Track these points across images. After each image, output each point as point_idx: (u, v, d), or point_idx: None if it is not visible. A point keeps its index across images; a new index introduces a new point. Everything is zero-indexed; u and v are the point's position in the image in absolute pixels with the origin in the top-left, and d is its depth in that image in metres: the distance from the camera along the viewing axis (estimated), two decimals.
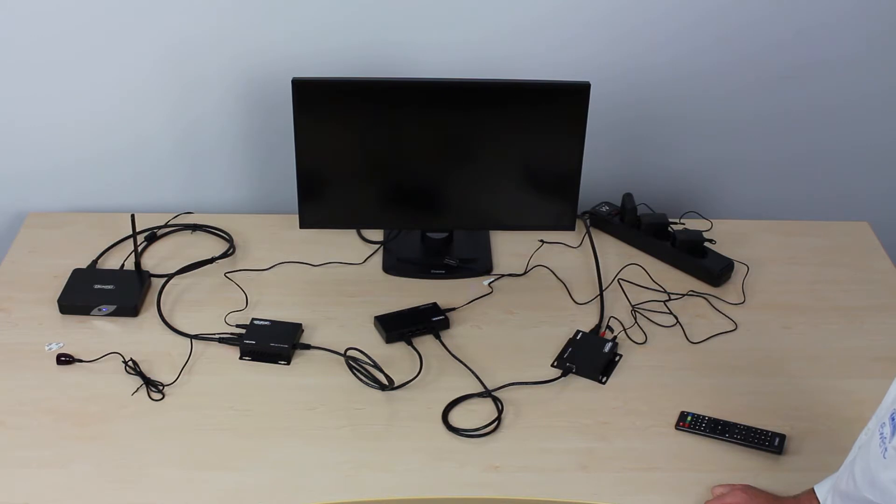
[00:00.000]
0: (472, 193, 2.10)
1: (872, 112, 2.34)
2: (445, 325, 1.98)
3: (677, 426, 1.76)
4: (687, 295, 2.09)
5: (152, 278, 2.07)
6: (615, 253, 2.21)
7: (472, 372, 1.86)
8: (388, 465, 1.68)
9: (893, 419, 1.30)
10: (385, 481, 1.66)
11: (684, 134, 2.35)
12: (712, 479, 1.66)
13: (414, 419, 1.77)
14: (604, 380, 1.87)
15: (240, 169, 2.33)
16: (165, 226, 2.24)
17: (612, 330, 2.00)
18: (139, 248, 2.13)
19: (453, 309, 2.02)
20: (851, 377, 1.89)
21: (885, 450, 1.29)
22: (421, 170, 2.09)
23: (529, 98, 2.01)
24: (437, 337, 1.95)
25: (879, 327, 2.02)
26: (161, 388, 1.81)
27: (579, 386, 1.86)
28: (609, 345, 1.92)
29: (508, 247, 2.22)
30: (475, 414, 1.79)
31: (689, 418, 1.76)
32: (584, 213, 2.26)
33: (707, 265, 2.12)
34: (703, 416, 1.76)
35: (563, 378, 1.87)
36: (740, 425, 1.74)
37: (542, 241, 2.22)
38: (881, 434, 1.32)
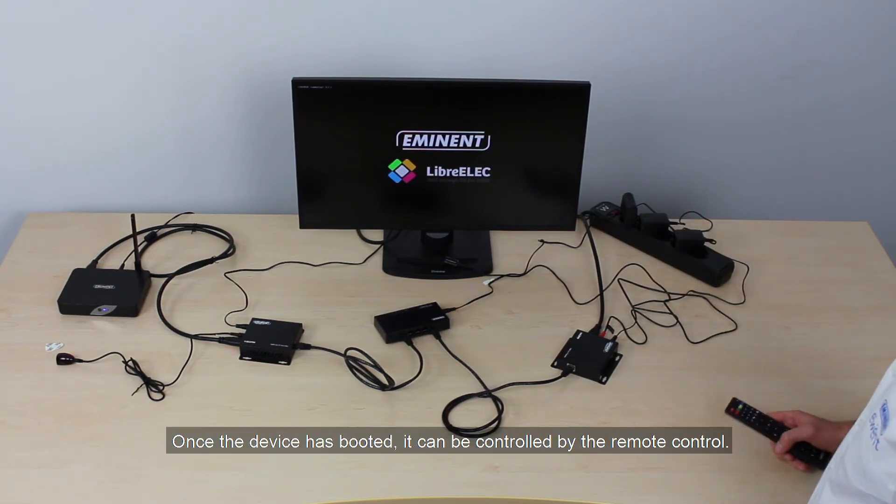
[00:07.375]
0: (472, 193, 2.10)
1: (872, 112, 2.34)
2: (445, 325, 1.98)
3: (728, 411, 1.77)
4: (687, 295, 2.09)
5: (152, 278, 2.07)
6: (615, 253, 2.21)
7: (473, 372, 1.86)
8: (388, 465, 1.68)
9: (885, 410, 1.29)
10: (385, 481, 1.66)
11: (684, 134, 2.34)
12: (712, 479, 1.67)
13: (414, 419, 1.77)
14: (604, 380, 1.87)
15: (240, 169, 2.33)
16: (165, 226, 2.24)
17: (612, 330, 1.99)
18: (139, 248, 2.13)
19: (453, 309, 2.02)
20: (851, 377, 1.89)
21: (877, 441, 1.28)
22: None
23: (529, 98, 2.01)
24: (437, 337, 1.95)
25: (879, 327, 2.02)
26: (161, 388, 1.81)
27: (579, 386, 1.86)
28: (609, 345, 1.92)
29: (508, 247, 2.22)
30: (475, 414, 1.79)
31: (740, 406, 1.78)
32: (584, 213, 2.27)
33: (707, 265, 2.12)
34: (754, 409, 1.77)
35: (563, 378, 1.87)
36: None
37: (542, 241, 2.22)
38: (872, 425, 1.31)
